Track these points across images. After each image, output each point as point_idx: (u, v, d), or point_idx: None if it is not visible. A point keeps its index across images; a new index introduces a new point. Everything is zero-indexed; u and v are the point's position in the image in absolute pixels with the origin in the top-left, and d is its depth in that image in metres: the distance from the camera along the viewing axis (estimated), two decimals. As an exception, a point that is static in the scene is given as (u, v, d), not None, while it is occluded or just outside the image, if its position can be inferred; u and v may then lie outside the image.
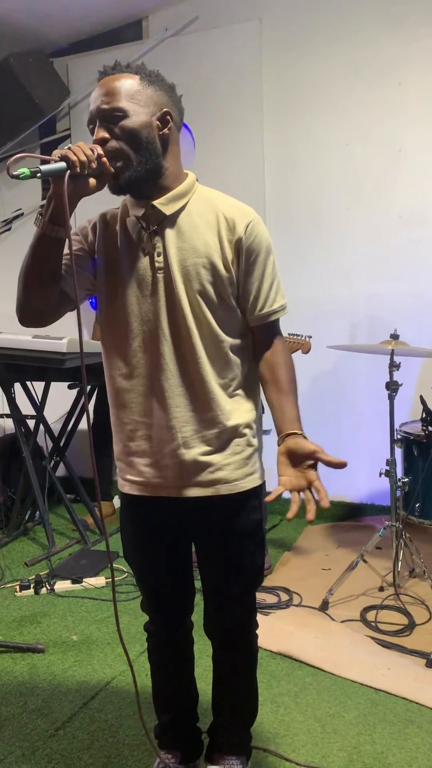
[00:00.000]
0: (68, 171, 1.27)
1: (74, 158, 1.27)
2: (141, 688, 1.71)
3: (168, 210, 1.43)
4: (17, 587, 3.11)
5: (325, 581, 3.00)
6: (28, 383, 3.75)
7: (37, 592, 3.07)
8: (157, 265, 1.44)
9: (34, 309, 1.46)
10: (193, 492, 1.51)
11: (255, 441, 1.56)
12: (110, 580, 1.60)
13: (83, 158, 1.28)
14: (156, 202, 1.42)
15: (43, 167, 1.26)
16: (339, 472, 1.37)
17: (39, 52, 4.24)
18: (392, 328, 2.96)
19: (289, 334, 3.18)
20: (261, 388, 1.58)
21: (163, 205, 1.43)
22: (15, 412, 3.74)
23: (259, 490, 1.58)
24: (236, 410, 1.51)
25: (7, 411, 3.80)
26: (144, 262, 1.46)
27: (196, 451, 1.49)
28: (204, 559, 1.64)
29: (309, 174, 3.94)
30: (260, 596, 2.93)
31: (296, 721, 2.06)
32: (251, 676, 1.75)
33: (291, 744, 1.95)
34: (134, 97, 1.37)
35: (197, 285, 1.43)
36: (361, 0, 3.72)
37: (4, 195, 4.77)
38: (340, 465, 1.34)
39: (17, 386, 3.79)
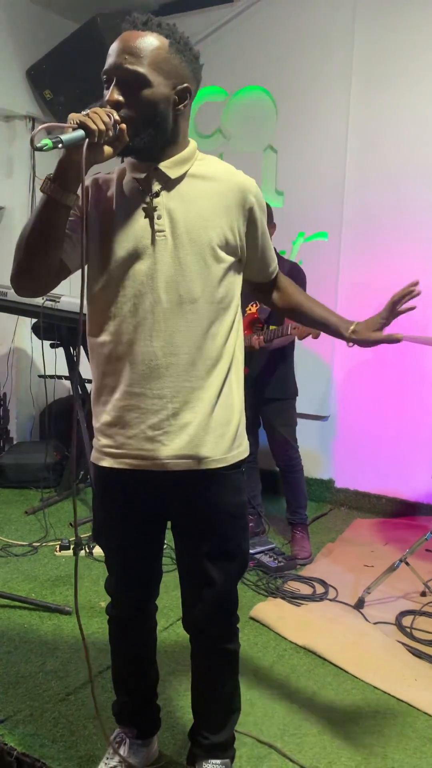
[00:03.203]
0: (87, 140, 1.22)
1: (94, 127, 1.22)
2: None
3: (173, 173, 1.41)
4: (58, 547, 3.17)
5: (365, 578, 2.89)
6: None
7: (75, 554, 3.11)
8: (157, 227, 1.39)
9: (34, 277, 1.40)
10: (176, 465, 1.45)
11: (242, 415, 1.55)
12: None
13: (102, 127, 1.23)
14: (161, 165, 1.40)
15: (64, 137, 1.21)
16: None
17: (128, 14, 4.16)
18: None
19: None
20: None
21: (168, 168, 1.40)
22: (74, 375, 3.78)
23: (241, 470, 1.57)
24: (227, 385, 1.49)
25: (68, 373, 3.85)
26: (143, 224, 1.40)
27: (182, 422, 1.44)
28: (183, 542, 1.57)
29: (395, 151, 3.72)
30: (294, 586, 2.86)
31: (309, 721, 1.99)
32: (233, 674, 1.68)
33: (298, 744, 1.88)
34: (160, 66, 1.31)
35: (202, 248, 1.40)
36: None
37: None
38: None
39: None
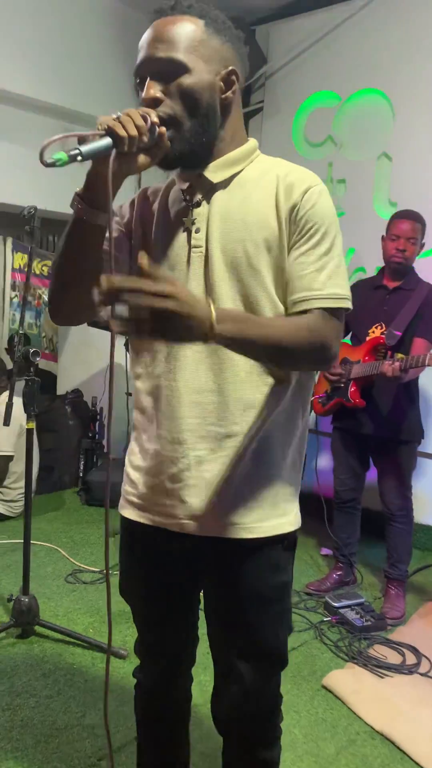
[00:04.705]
0: (114, 149, 1.01)
1: (123, 134, 1.01)
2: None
3: (216, 177, 1.17)
4: (128, 577, 2.98)
5: (467, 651, 2.47)
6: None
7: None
8: (193, 243, 1.16)
9: (71, 305, 1.20)
10: (195, 528, 1.20)
11: (289, 475, 1.25)
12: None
13: (133, 132, 1.02)
14: (204, 171, 1.16)
15: (84, 148, 0.98)
16: None
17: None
18: None
19: None
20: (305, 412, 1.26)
21: (212, 172, 1.17)
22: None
23: (290, 542, 1.25)
24: (270, 434, 1.19)
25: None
26: (180, 240, 1.18)
27: (208, 477, 1.18)
28: (210, 621, 1.31)
29: None
30: (381, 651, 2.49)
31: None
32: None
33: None
34: (197, 49, 1.10)
35: (242, 268, 1.14)
36: None
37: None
38: None
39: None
